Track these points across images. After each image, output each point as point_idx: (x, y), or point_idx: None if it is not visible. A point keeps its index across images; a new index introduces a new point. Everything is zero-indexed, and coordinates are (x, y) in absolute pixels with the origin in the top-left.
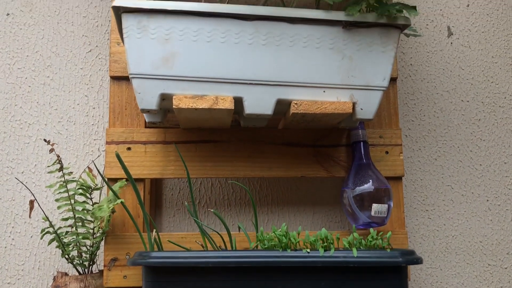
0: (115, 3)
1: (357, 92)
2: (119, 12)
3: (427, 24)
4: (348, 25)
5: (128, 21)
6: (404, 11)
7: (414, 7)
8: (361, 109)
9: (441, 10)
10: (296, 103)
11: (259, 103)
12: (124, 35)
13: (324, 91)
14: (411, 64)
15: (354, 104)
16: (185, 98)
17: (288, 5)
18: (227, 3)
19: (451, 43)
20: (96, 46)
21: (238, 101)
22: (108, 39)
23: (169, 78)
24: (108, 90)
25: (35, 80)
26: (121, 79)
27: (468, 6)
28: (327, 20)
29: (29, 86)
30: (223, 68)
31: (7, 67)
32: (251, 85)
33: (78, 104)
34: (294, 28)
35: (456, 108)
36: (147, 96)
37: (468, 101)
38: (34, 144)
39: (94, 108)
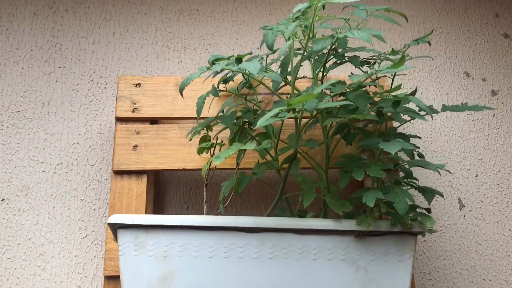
0: (111, 220)
1: None
2: (115, 227)
3: (437, 197)
4: (360, 234)
5: (124, 237)
6: (419, 218)
7: (429, 214)
8: None
9: (450, 181)
10: None
11: None
12: (120, 252)
13: None
14: (424, 240)
15: None
16: None
17: (295, 208)
18: (226, 212)
19: (464, 215)
20: (92, 231)
21: None
22: (105, 222)
23: None
24: (102, 284)
25: (25, 270)
26: (116, 278)
27: (476, 176)
28: (337, 230)
29: (18, 278)
30: (226, 286)
31: None
32: None
33: None
34: (302, 239)
35: None
36: None
37: (490, 280)
38: None
39: None
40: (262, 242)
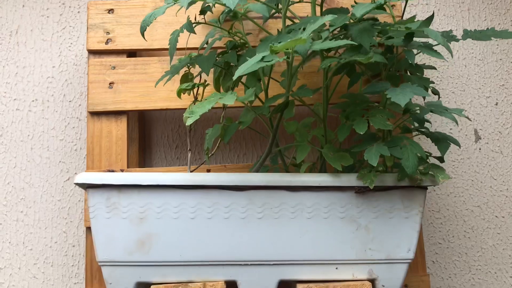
0: (78, 180)
1: (377, 267)
2: (84, 187)
3: (450, 128)
4: (362, 190)
5: (94, 198)
6: (430, 172)
7: (442, 168)
8: (383, 286)
9: (466, 111)
10: None
11: (257, 287)
12: (91, 215)
13: (336, 268)
14: None
15: (373, 280)
16: None
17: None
18: (213, 161)
19: (480, 148)
20: (75, 173)
21: (232, 285)
22: None
23: (146, 264)
24: (85, 238)
25: (7, 216)
26: None
27: (496, 104)
28: (336, 186)
29: (0, 224)
30: (211, 249)
31: None
32: (247, 266)
33: (55, 242)
34: (295, 196)
35: (490, 226)
36: (120, 287)
37: (503, 217)
38: None
39: (74, 246)
40: (251, 201)
